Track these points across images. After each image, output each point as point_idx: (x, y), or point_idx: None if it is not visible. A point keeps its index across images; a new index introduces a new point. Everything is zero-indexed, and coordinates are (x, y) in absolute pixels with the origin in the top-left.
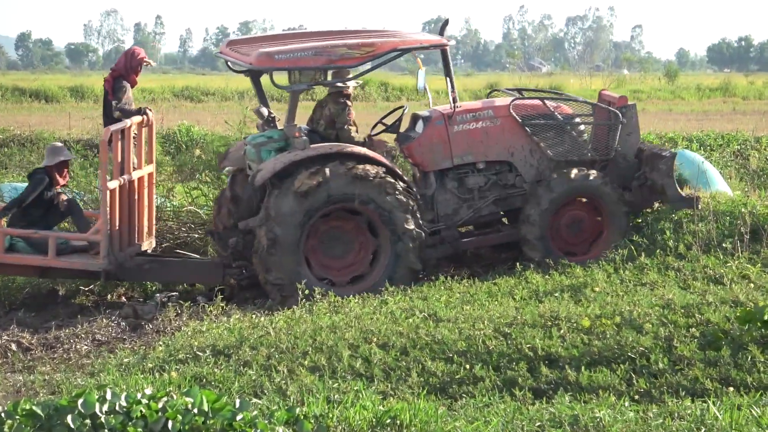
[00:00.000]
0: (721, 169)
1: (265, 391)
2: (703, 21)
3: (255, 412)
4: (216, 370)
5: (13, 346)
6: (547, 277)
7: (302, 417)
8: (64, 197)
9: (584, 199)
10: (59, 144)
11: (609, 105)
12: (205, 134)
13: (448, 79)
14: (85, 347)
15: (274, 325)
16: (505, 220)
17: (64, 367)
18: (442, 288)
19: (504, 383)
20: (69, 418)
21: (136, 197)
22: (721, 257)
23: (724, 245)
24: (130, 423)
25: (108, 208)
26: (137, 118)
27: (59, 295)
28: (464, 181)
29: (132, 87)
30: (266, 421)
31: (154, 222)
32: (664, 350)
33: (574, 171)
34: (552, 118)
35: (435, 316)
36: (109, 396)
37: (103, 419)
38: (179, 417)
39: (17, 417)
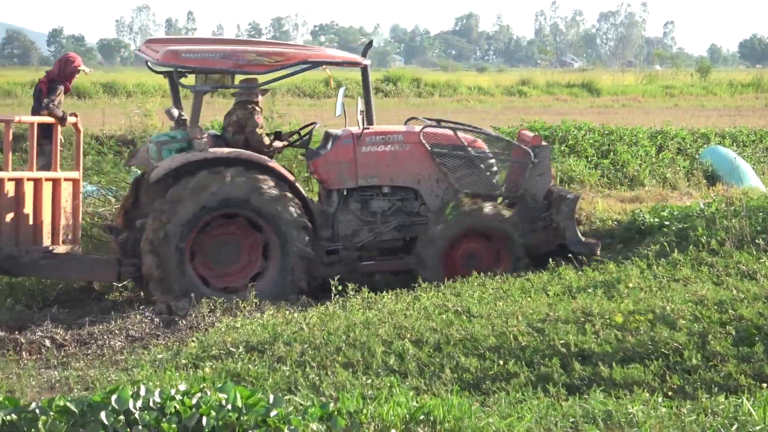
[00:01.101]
0: (753, 165)
1: (299, 387)
2: (734, 17)
3: (289, 409)
4: (250, 366)
5: (47, 342)
6: (580, 273)
7: (336, 413)
8: None
9: (485, 234)
10: None
11: (525, 144)
12: None
13: (364, 98)
14: (119, 343)
15: (308, 321)
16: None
17: (98, 363)
18: (475, 284)
19: (537, 379)
20: (103, 414)
21: (50, 197)
22: (755, 253)
23: (757, 241)
24: (164, 419)
25: None
26: (42, 119)
27: (93, 292)
28: (368, 204)
29: (66, 93)
30: (300, 418)
31: (78, 230)
32: (697, 346)
33: (469, 203)
34: (463, 150)
35: (468, 312)
36: (142, 392)
37: (136, 415)
38: (213, 413)
39: (51, 413)
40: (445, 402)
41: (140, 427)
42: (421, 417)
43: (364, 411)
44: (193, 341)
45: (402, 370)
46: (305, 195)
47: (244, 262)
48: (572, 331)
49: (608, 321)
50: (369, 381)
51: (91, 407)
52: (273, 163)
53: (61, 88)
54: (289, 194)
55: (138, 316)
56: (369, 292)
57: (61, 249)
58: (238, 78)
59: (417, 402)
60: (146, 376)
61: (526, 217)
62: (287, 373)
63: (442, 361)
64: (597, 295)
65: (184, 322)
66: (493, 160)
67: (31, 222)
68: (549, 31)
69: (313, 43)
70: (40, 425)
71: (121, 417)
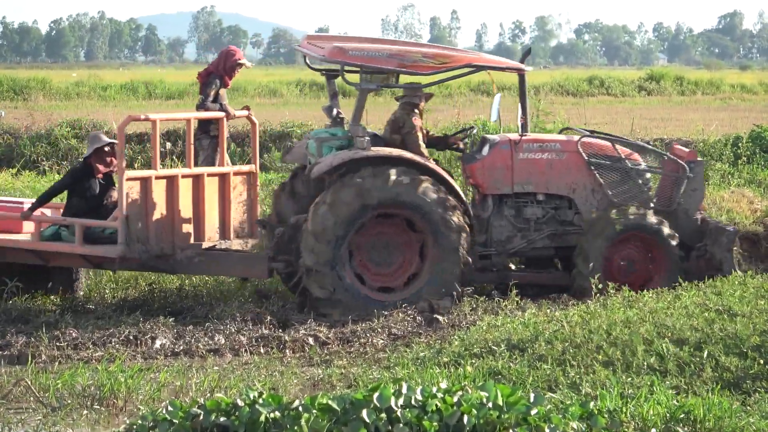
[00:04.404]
0: None
1: (559, 386)
2: None
3: (549, 407)
4: (510, 364)
5: (311, 340)
6: None
7: (596, 412)
8: (114, 190)
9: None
10: (97, 132)
11: (679, 158)
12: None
13: (521, 104)
14: (381, 341)
15: (569, 320)
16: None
17: (361, 361)
18: (736, 283)
19: None
20: (364, 411)
21: (215, 193)
22: None
23: None
24: (425, 417)
25: (124, 196)
26: (202, 115)
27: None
28: (522, 211)
29: (224, 87)
30: (560, 416)
31: (252, 223)
32: None
33: (632, 209)
34: (619, 162)
35: (729, 311)
36: (404, 390)
37: (398, 413)
38: (474, 411)
39: (314, 410)
40: (705, 401)
41: (401, 425)
42: (681, 416)
43: (624, 410)
44: (455, 339)
45: (662, 369)
46: (465, 199)
47: (400, 263)
48: None
49: None
50: (629, 380)
51: (353, 405)
52: (434, 165)
53: (218, 82)
54: (449, 197)
55: (401, 315)
56: (629, 291)
57: (235, 244)
58: (402, 79)
59: (677, 401)
60: (408, 374)
61: (678, 232)
62: (548, 372)
63: (703, 360)
64: None
65: (446, 320)
66: (648, 174)
67: (194, 218)
68: None
69: (577, 42)
70: (302, 422)
71: (383, 415)
